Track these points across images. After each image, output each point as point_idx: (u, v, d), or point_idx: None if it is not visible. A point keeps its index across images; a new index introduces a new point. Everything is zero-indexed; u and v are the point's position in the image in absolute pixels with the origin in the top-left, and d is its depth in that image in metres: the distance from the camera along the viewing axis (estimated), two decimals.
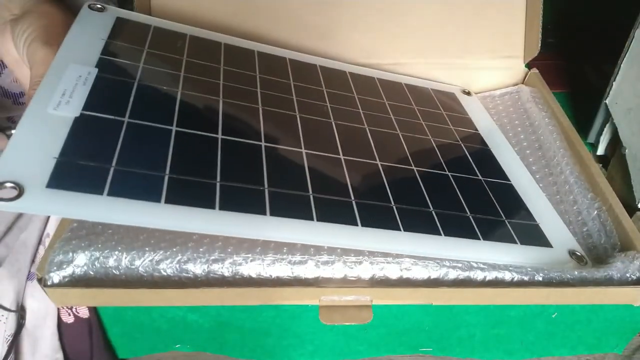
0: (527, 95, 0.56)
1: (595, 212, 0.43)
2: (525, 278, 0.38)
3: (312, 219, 0.35)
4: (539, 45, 0.55)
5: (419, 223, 0.38)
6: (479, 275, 0.38)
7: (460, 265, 0.38)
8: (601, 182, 0.44)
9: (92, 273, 0.37)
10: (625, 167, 0.50)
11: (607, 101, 0.54)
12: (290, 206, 0.35)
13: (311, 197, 0.37)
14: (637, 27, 0.49)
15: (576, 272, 0.38)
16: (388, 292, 0.38)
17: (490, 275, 0.38)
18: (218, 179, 0.35)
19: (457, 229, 0.39)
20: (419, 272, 0.38)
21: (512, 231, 0.40)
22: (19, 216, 0.46)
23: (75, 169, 0.31)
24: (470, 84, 0.59)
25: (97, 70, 0.39)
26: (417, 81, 0.58)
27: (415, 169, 0.43)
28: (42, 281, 0.36)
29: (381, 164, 0.43)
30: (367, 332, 0.46)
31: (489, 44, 0.57)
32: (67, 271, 0.37)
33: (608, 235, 0.41)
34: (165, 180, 0.33)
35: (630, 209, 0.47)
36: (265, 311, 0.43)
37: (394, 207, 0.39)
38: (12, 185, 0.28)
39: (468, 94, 0.58)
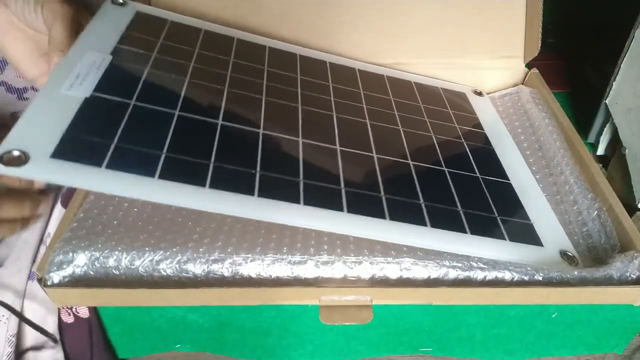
0: (527, 95, 0.56)
1: (595, 212, 0.43)
2: (525, 278, 0.38)
3: (298, 202, 0.36)
4: (539, 45, 0.55)
5: (406, 213, 0.38)
6: (479, 275, 0.38)
7: (460, 265, 0.38)
8: (601, 182, 0.44)
9: (92, 273, 0.37)
10: (625, 167, 0.50)
11: (607, 101, 0.54)
12: (279, 189, 0.36)
13: (301, 182, 0.38)
14: (637, 27, 0.49)
15: (568, 273, 0.38)
16: (388, 292, 0.38)
17: (490, 275, 0.38)
18: (212, 160, 0.36)
19: (445, 221, 0.39)
20: (419, 272, 0.38)
21: (502, 228, 0.40)
22: None
23: (79, 143, 0.33)
24: (470, 83, 0.59)
25: (111, 57, 0.41)
26: (427, 80, 0.58)
27: (411, 163, 0.44)
28: (42, 281, 0.36)
29: (377, 157, 0.43)
30: (367, 332, 0.46)
31: (489, 44, 0.57)
32: (67, 271, 0.37)
33: (608, 236, 0.41)
34: (161, 158, 0.35)
35: (630, 209, 0.46)
36: (265, 311, 0.43)
37: (383, 197, 0.39)
38: (19, 153, 0.31)
39: (479, 94, 0.58)
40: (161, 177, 0.33)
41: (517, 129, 0.53)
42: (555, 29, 0.72)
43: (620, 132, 0.52)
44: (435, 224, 0.38)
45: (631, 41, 0.50)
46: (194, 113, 0.40)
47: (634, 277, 0.38)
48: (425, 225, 0.38)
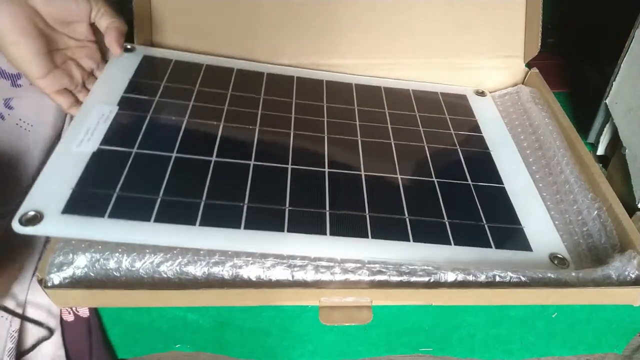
0: (527, 95, 0.56)
1: (596, 212, 0.43)
2: (525, 279, 0.38)
3: (282, 231, 0.37)
4: (539, 45, 0.55)
5: (388, 231, 0.39)
6: (478, 276, 0.38)
7: (459, 267, 0.38)
8: (601, 182, 0.44)
9: (92, 274, 0.37)
10: (625, 167, 0.50)
11: (607, 101, 0.54)
12: (265, 219, 0.38)
13: (287, 210, 0.39)
14: (637, 27, 0.49)
15: (566, 274, 0.38)
16: (388, 293, 0.38)
17: (490, 276, 0.38)
18: (203, 198, 0.38)
19: (429, 235, 0.39)
20: (419, 275, 0.38)
21: (489, 235, 0.40)
22: None
23: (86, 196, 0.36)
24: (470, 83, 0.59)
25: (117, 108, 0.44)
26: (426, 86, 0.58)
27: (399, 177, 0.44)
28: (42, 282, 0.36)
29: (365, 175, 0.43)
30: (367, 332, 0.46)
31: (489, 44, 0.57)
32: (68, 272, 0.37)
33: (608, 236, 0.41)
34: (157, 202, 0.37)
35: (630, 209, 0.46)
36: (265, 311, 0.43)
37: (367, 216, 0.40)
38: (34, 213, 0.34)
39: (482, 94, 0.58)
40: (156, 220, 0.36)
41: (517, 128, 0.53)
42: (555, 29, 0.72)
43: (620, 132, 0.52)
44: (418, 239, 0.39)
45: (631, 41, 0.50)
46: (190, 153, 0.42)
47: (633, 276, 0.38)
48: (408, 240, 0.38)
